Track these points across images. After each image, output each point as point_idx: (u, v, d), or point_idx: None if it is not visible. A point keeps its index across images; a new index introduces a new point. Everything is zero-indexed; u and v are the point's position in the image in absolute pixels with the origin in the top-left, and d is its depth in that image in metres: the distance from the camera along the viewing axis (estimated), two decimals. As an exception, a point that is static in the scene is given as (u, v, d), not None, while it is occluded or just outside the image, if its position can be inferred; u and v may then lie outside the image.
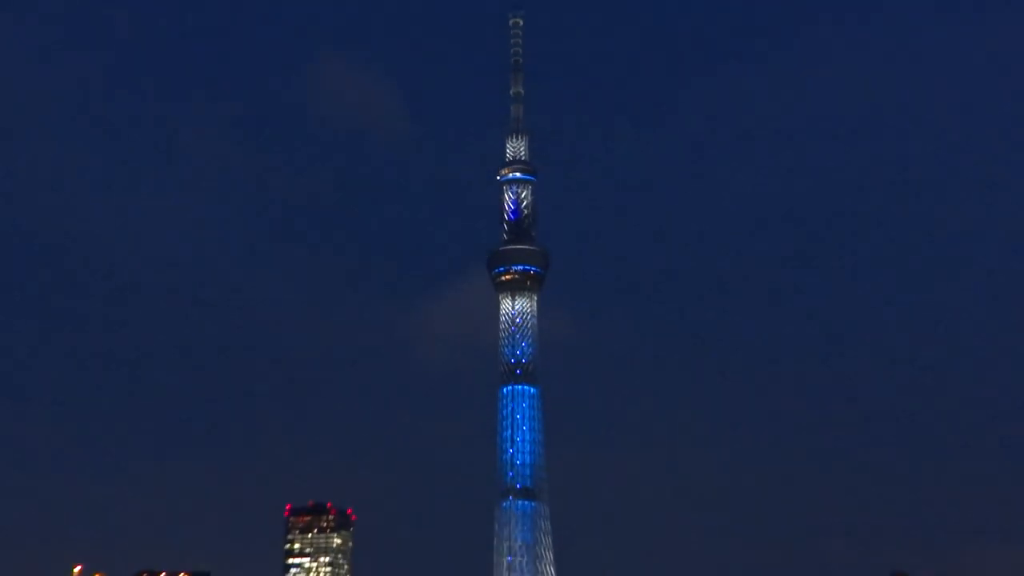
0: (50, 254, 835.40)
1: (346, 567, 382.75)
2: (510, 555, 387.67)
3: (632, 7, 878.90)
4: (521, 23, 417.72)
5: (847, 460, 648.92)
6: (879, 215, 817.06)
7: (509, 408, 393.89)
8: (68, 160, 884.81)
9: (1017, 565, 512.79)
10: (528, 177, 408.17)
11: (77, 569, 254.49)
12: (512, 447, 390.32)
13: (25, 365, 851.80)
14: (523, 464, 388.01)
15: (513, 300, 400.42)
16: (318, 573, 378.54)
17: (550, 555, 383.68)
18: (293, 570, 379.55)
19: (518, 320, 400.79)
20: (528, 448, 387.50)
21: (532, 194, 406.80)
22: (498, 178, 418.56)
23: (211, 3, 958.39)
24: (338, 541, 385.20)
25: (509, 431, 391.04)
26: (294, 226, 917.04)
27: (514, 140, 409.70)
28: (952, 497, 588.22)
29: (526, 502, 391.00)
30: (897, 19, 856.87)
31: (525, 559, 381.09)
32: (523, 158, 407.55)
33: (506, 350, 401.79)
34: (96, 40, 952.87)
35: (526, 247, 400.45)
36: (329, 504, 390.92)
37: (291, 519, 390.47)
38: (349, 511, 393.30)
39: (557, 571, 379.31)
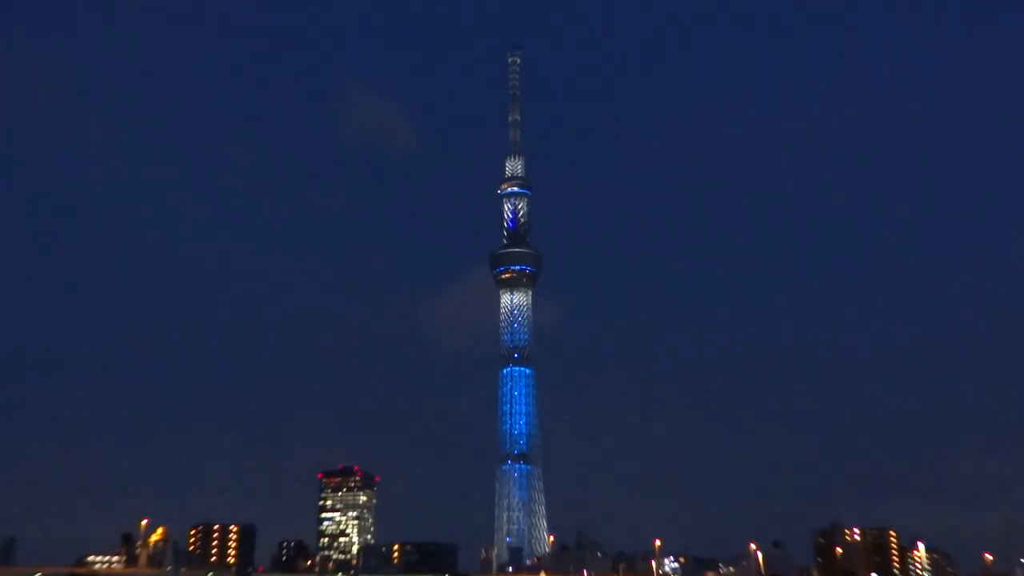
0: (122, 249, 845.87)
1: (370, 520, 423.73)
2: (508, 510, 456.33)
3: (614, 45, 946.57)
4: (518, 61, 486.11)
5: (793, 431, 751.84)
6: (837, 220, 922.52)
7: (508, 386, 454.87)
8: (134, 172, 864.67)
9: (933, 517, 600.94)
10: (524, 191, 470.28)
11: (144, 522, 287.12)
12: (510, 419, 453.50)
13: (100, 345, 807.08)
14: (519, 433, 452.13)
15: (512, 295, 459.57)
16: (347, 525, 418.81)
17: (542, 509, 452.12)
18: (326, 523, 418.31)
19: (516, 312, 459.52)
20: (524, 420, 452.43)
21: (528, 205, 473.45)
22: (498, 192, 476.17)
23: (251, 41, 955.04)
24: (364, 499, 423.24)
25: (508, 405, 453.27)
26: (325, 232, 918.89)
27: (512, 159, 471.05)
28: (878, 462, 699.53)
29: (522, 465, 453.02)
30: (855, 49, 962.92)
31: (521, 513, 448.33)
32: (520, 175, 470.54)
33: (505, 337, 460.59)
34: (156, 77, 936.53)
35: (523, 250, 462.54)
36: (356, 467, 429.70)
37: (324, 480, 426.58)
38: (374, 475, 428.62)
39: (548, 522, 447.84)
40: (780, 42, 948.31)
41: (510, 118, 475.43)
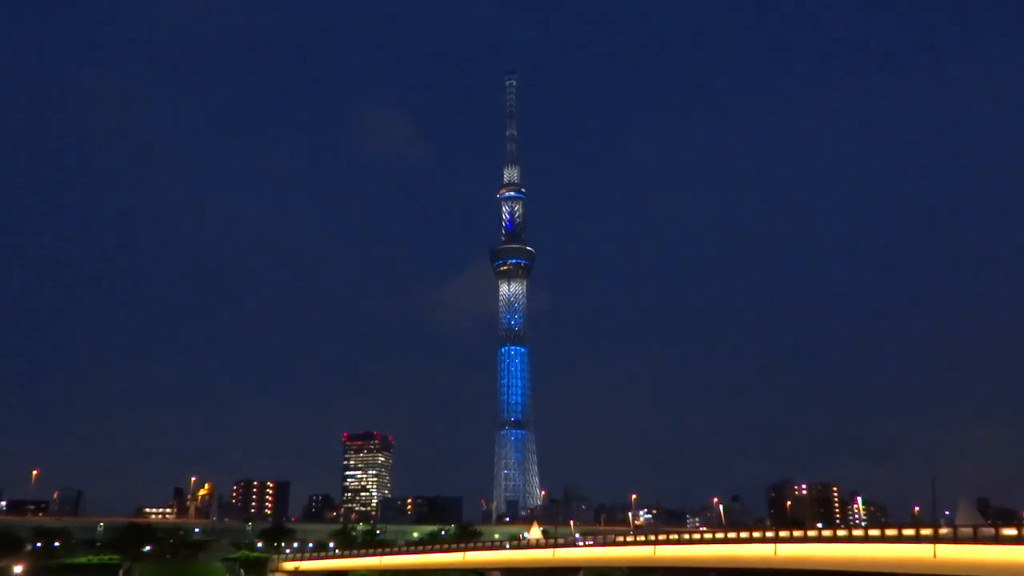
0: (181, 242, 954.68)
1: (388, 478, 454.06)
2: (506, 469, 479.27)
3: (599, 69, 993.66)
4: (515, 83, 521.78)
5: (749, 401, 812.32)
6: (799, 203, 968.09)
7: (506, 362, 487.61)
8: (193, 178, 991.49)
9: (870, 474, 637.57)
10: (520, 195, 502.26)
11: (193, 479, 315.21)
12: (507, 391, 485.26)
13: (155, 325, 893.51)
14: (515, 403, 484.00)
15: (509, 284, 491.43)
16: (367, 482, 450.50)
17: (535, 468, 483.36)
18: (349, 480, 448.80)
19: (512, 299, 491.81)
20: (519, 391, 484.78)
21: (523, 208, 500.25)
22: (497, 196, 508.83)
23: (284, 67, 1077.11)
24: (382, 459, 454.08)
25: (506, 379, 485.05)
26: (348, 229, 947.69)
27: (509, 168, 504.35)
28: (823, 427, 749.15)
29: (518, 431, 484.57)
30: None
31: (517, 472, 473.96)
32: (516, 181, 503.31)
33: (504, 320, 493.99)
34: (208, 100, 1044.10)
35: (518, 246, 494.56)
36: (375, 432, 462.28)
37: (347, 443, 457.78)
38: (390, 437, 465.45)
39: (540, 479, 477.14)
40: (762, 65, 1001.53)
41: (507, 132, 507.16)
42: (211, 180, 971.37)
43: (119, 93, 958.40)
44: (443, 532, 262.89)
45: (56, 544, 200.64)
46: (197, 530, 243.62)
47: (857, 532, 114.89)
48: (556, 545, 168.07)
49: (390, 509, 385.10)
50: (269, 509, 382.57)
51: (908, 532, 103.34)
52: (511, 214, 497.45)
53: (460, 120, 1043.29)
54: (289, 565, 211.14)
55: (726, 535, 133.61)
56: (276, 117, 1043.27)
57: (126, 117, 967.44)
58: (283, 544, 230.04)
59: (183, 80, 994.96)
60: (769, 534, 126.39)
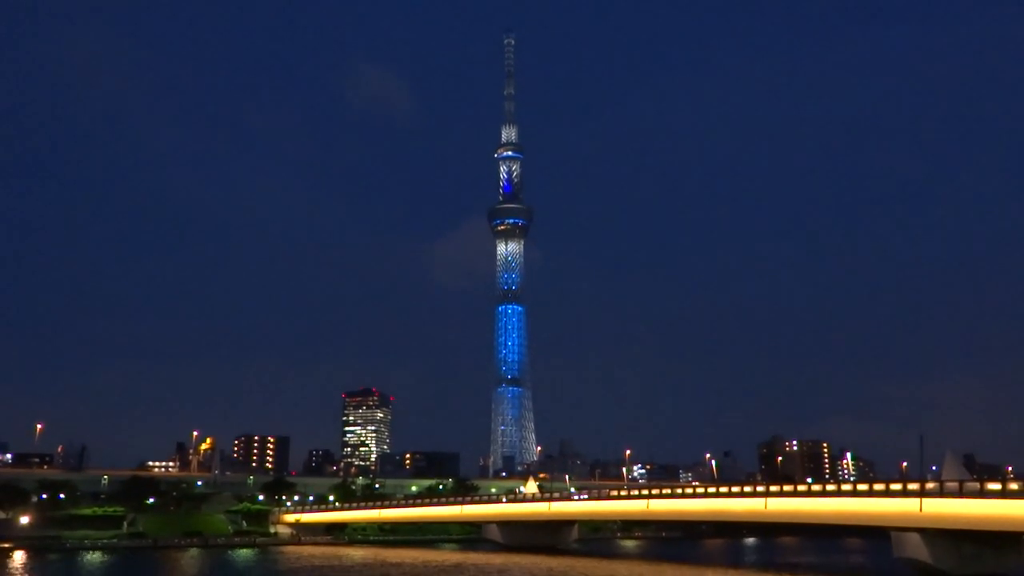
0: (178, 205, 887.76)
1: (386, 434, 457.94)
2: (503, 425, 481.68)
3: (599, 27, 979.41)
4: (513, 42, 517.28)
5: (742, 358, 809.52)
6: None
7: (503, 321, 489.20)
8: (183, 141, 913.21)
9: (859, 431, 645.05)
10: (518, 155, 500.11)
11: (195, 433, 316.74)
12: (505, 348, 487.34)
13: (155, 283, 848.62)
14: (512, 361, 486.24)
15: (506, 244, 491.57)
16: (366, 437, 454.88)
17: (531, 424, 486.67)
18: (348, 435, 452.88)
19: (509, 258, 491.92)
20: (516, 349, 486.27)
21: (520, 167, 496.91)
22: (495, 156, 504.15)
23: (273, 26, 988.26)
24: (380, 415, 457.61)
25: (503, 337, 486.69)
26: (344, 188, 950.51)
27: (507, 128, 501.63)
28: (813, 385, 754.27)
29: (514, 388, 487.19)
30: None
31: (513, 428, 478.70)
32: (514, 141, 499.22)
33: (501, 279, 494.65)
34: (193, 52, 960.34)
35: (516, 206, 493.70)
36: (374, 389, 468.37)
37: (347, 399, 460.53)
38: (389, 394, 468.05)
39: (536, 435, 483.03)
40: (758, 26, 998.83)
41: (505, 92, 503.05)
42: (198, 138, 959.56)
43: (95, 46, 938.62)
44: (441, 486, 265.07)
45: (61, 496, 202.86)
46: (200, 483, 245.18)
47: (846, 487, 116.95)
48: (552, 499, 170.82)
49: (389, 464, 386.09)
50: (270, 463, 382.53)
51: (896, 487, 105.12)
52: (509, 174, 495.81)
53: (458, 81, 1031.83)
54: (290, 517, 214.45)
55: (718, 490, 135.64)
56: (264, 72, 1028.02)
57: (106, 74, 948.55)
58: (284, 497, 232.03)
59: (165, 34, 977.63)
60: (760, 489, 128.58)
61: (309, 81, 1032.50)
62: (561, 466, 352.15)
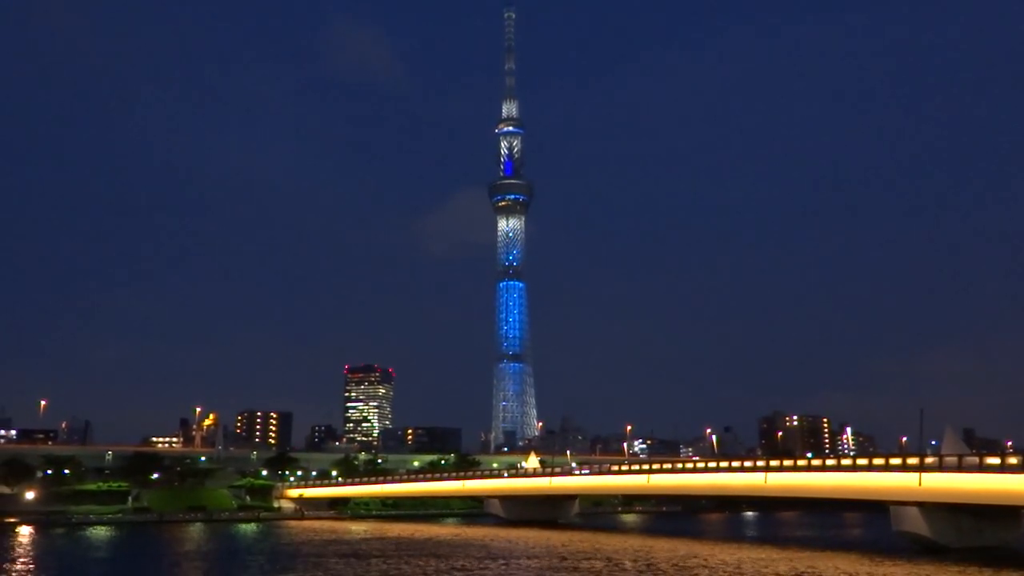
0: (165, 174, 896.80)
1: (388, 409, 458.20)
2: (504, 401, 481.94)
3: (600, 4, 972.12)
4: (513, 16, 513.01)
5: (742, 334, 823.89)
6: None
7: (504, 297, 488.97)
8: (166, 107, 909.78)
9: (858, 406, 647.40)
10: (518, 131, 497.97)
11: (198, 409, 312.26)
12: (506, 325, 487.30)
13: (156, 259, 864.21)
14: (513, 337, 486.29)
15: (507, 220, 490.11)
16: (368, 413, 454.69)
17: (532, 400, 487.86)
18: (351, 411, 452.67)
19: (510, 234, 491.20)
20: (517, 325, 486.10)
21: (521, 143, 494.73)
22: (496, 131, 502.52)
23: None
24: (382, 390, 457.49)
25: (504, 313, 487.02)
26: (344, 162, 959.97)
27: (508, 103, 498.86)
28: (813, 360, 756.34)
29: (515, 364, 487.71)
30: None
31: (515, 403, 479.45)
32: (515, 116, 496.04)
33: (502, 255, 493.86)
34: (182, 20, 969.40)
35: (517, 181, 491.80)
36: (376, 364, 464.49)
37: (349, 375, 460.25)
38: (391, 369, 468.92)
39: (537, 411, 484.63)
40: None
41: (506, 67, 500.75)
42: (191, 109, 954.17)
43: (73, 15, 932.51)
44: (443, 461, 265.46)
45: (66, 472, 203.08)
46: (203, 459, 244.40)
47: (845, 461, 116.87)
48: (553, 474, 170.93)
49: (391, 439, 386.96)
50: (273, 439, 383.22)
51: (895, 461, 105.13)
52: (509, 149, 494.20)
53: (459, 56, 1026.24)
54: (293, 492, 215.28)
55: (718, 464, 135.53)
56: (257, 41, 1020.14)
57: (98, 40, 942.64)
58: (287, 472, 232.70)
59: (153, 3, 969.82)
60: (760, 463, 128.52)
61: (303, 48, 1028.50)
62: (562, 441, 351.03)
